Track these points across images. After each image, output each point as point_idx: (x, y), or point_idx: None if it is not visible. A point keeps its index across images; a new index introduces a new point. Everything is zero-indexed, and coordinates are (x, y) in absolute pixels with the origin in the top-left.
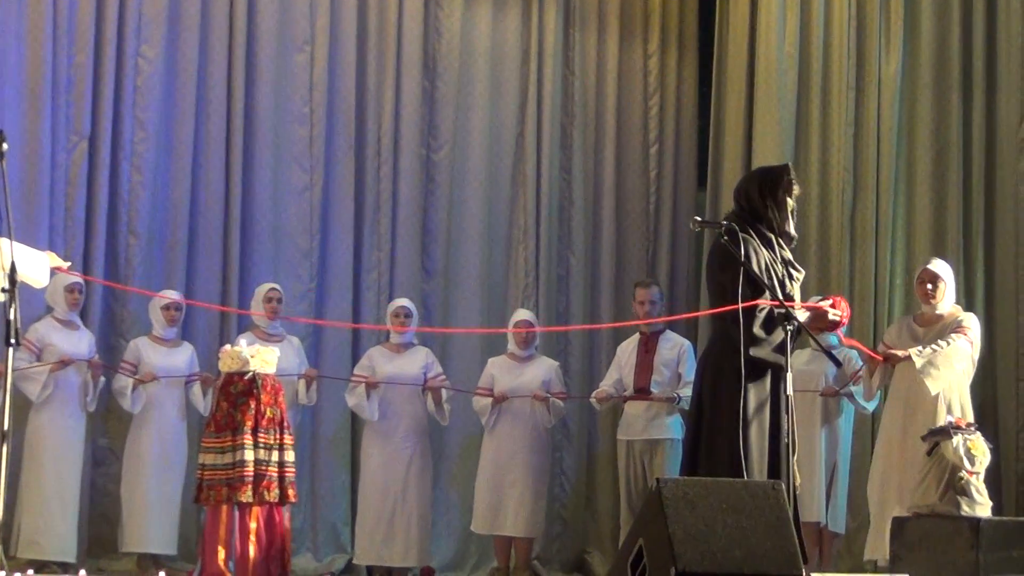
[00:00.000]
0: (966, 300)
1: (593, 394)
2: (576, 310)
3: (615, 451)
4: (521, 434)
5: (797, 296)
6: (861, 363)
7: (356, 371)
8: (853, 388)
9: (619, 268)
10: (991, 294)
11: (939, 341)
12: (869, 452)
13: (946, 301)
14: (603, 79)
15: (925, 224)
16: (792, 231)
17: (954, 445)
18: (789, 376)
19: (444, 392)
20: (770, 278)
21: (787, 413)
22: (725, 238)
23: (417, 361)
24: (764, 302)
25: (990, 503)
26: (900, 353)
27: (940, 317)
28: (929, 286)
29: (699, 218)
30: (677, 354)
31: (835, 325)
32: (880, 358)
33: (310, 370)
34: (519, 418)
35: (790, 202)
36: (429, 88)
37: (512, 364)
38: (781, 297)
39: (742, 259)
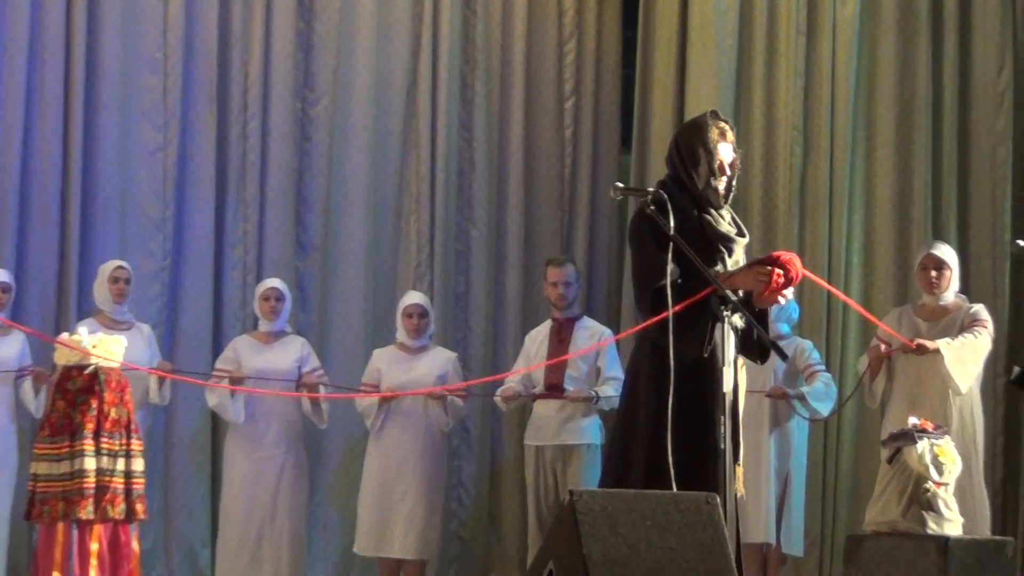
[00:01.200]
0: None
1: (498, 392)
2: (477, 293)
3: (523, 459)
4: (412, 439)
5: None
6: (817, 358)
7: (218, 365)
8: (805, 389)
9: (528, 243)
10: (965, 272)
11: (965, 334)
12: (824, 462)
13: (951, 290)
14: (509, 20)
15: (888, 191)
16: (719, 186)
17: (919, 452)
18: (727, 371)
19: (323, 389)
20: (703, 252)
21: (723, 414)
22: (651, 208)
23: (290, 353)
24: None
25: (961, 519)
26: (930, 344)
27: (945, 309)
28: (933, 273)
29: (621, 184)
30: (597, 344)
31: (779, 288)
32: (912, 345)
33: (163, 363)
34: (410, 420)
35: (722, 152)
36: (304, 30)
37: (402, 356)
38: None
39: (671, 232)
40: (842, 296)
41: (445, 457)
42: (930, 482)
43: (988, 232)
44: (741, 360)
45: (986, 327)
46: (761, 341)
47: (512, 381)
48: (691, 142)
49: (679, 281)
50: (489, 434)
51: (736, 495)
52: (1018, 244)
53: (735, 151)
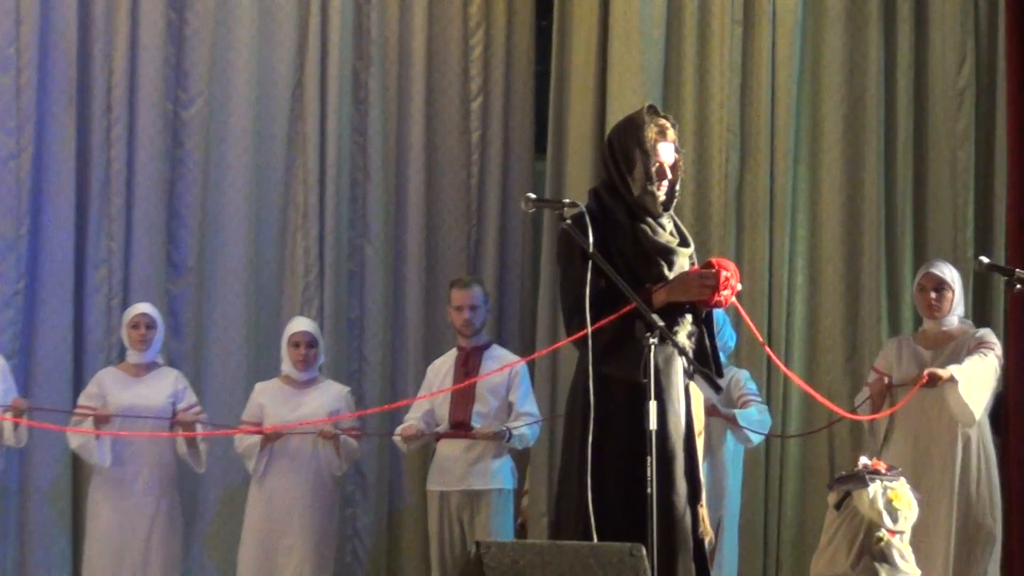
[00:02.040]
0: (888, 295)
1: (397, 430)
2: (373, 319)
3: (425, 506)
4: (300, 484)
5: None
6: (754, 388)
7: (81, 401)
8: (739, 411)
9: (431, 262)
10: None
11: (971, 356)
12: (765, 506)
13: (954, 314)
14: (408, 10)
15: (835, 202)
16: (658, 192)
17: (870, 496)
18: (652, 406)
19: (200, 428)
20: (640, 266)
21: (649, 454)
22: (567, 222)
23: (163, 387)
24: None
25: (918, 571)
26: (943, 373)
27: (949, 335)
28: (933, 295)
29: (534, 195)
30: (507, 376)
31: (713, 292)
32: (924, 378)
33: (18, 400)
34: (298, 462)
35: (661, 153)
36: (176, 21)
37: (288, 391)
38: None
39: (590, 249)
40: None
41: (337, 505)
42: (883, 530)
43: (948, 247)
44: (694, 388)
45: (993, 349)
46: (715, 361)
47: (413, 418)
48: (626, 143)
49: (613, 300)
50: (387, 478)
51: (706, 542)
52: (982, 261)
53: (677, 151)
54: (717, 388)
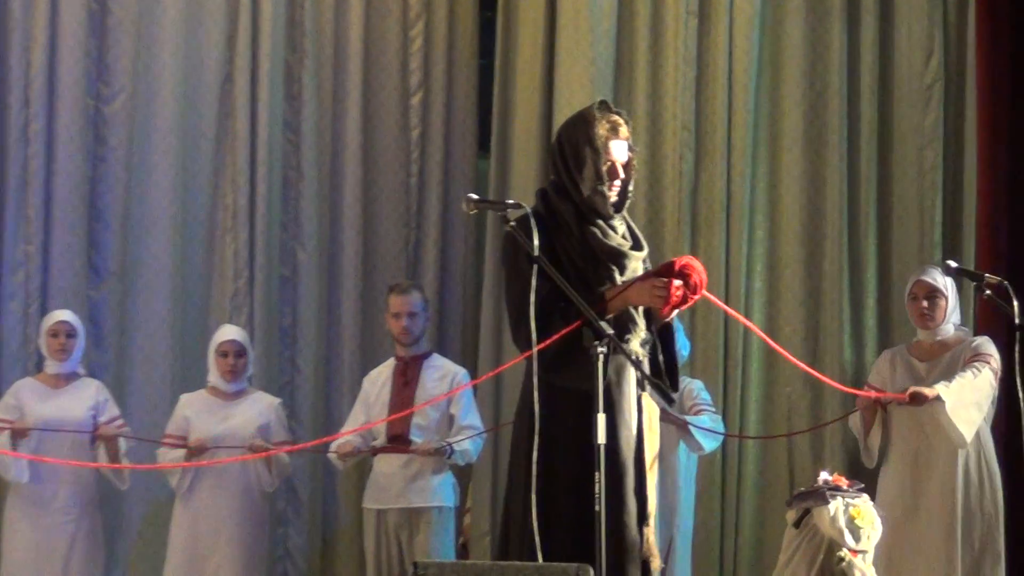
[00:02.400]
0: (851, 302)
1: (333, 446)
2: (307, 327)
3: (361, 525)
4: (228, 501)
5: None
6: (707, 398)
7: None
8: (690, 417)
9: (368, 267)
10: (886, 295)
11: (962, 372)
12: (721, 524)
13: (949, 322)
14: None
15: (795, 202)
16: (609, 192)
17: (831, 514)
18: (601, 419)
19: (123, 442)
20: (591, 270)
21: (598, 469)
22: (511, 224)
23: (84, 399)
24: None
25: None
26: (927, 392)
27: (944, 345)
28: (925, 304)
29: (476, 196)
30: (448, 387)
31: (679, 304)
32: (904, 397)
33: None
34: (225, 479)
35: (613, 151)
36: (98, 11)
37: (215, 403)
38: (583, 305)
39: (535, 253)
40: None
41: (268, 524)
42: (845, 550)
43: (915, 250)
44: (646, 400)
45: (989, 362)
46: (671, 372)
47: (349, 433)
48: (576, 140)
49: (562, 305)
50: (321, 496)
51: (653, 566)
52: (950, 265)
53: (631, 150)
54: (670, 400)
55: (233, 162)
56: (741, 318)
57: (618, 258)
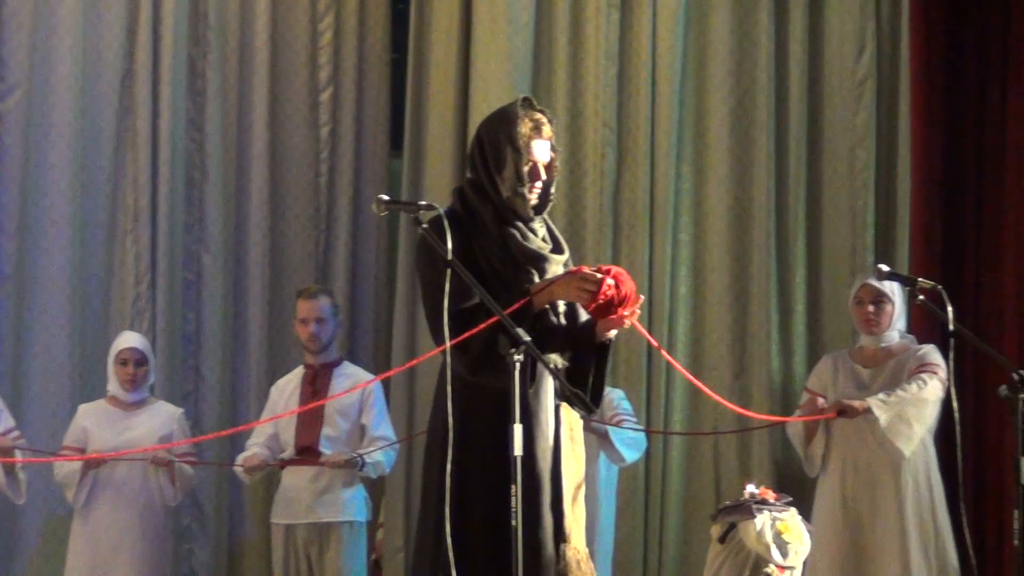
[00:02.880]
0: (779, 307)
1: (239, 459)
2: (211, 333)
3: (269, 540)
4: (129, 516)
5: None
6: (628, 408)
7: None
8: (611, 427)
9: (275, 271)
10: (815, 300)
11: (904, 385)
12: (644, 539)
13: (894, 328)
14: None
15: (721, 203)
16: (530, 194)
17: (757, 529)
18: (517, 430)
19: (18, 454)
20: (510, 274)
21: (514, 482)
22: (424, 226)
23: None
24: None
25: None
26: (857, 404)
27: (888, 352)
28: (871, 308)
29: (386, 197)
30: (360, 396)
31: (610, 304)
32: (833, 415)
33: None
34: (125, 492)
35: (535, 152)
36: None
37: (115, 413)
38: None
39: (449, 256)
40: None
41: (171, 540)
42: (772, 566)
43: (846, 253)
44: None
45: (936, 372)
46: (596, 384)
47: (255, 445)
48: (497, 139)
49: (486, 308)
50: (227, 510)
51: None
52: (881, 269)
53: (553, 150)
54: (588, 408)
55: (134, 161)
56: (665, 353)
57: (538, 261)
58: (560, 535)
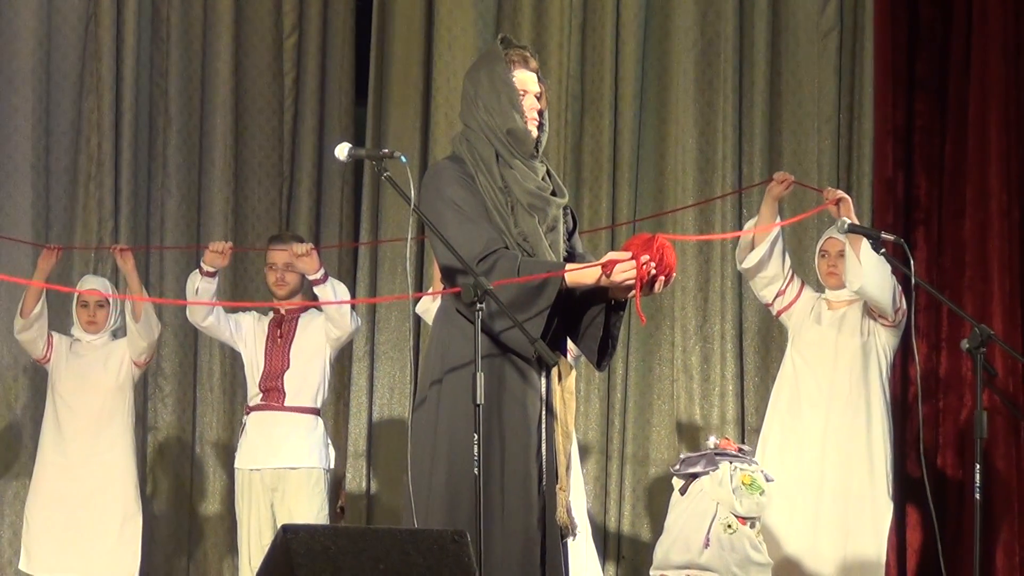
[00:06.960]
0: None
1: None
2: (175, 278)
3: (231, 485)
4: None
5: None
6: None
7: None
8: None
9: (239, 217)
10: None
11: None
12: (605, 490)
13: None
14: None
15: (685, 154)
16: (529, 127)
17: (719, 479)
18: (479, 378)
19: None
20: (512, 215)
21: (477, 431)
22: (387, 173)
23: None
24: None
25: (770, 562)
26: (840, 193)
27: (849, 304)
28: (834, 261)
29: (350, 145)
30: (323, 340)
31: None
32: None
33: None
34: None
35: (527, 83)
36: None
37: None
38: (473, 270)
39: (412, 205)
40: None
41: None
42: (733, 516)
43: (811, 205)
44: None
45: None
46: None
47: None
48: (486, 77)
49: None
50: (189, 456)
51: (561, 530)
52: (844, 222)
53: (541, 82)
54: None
55: (97, 107)
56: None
57: (537, 202)
58: (551, 478)
